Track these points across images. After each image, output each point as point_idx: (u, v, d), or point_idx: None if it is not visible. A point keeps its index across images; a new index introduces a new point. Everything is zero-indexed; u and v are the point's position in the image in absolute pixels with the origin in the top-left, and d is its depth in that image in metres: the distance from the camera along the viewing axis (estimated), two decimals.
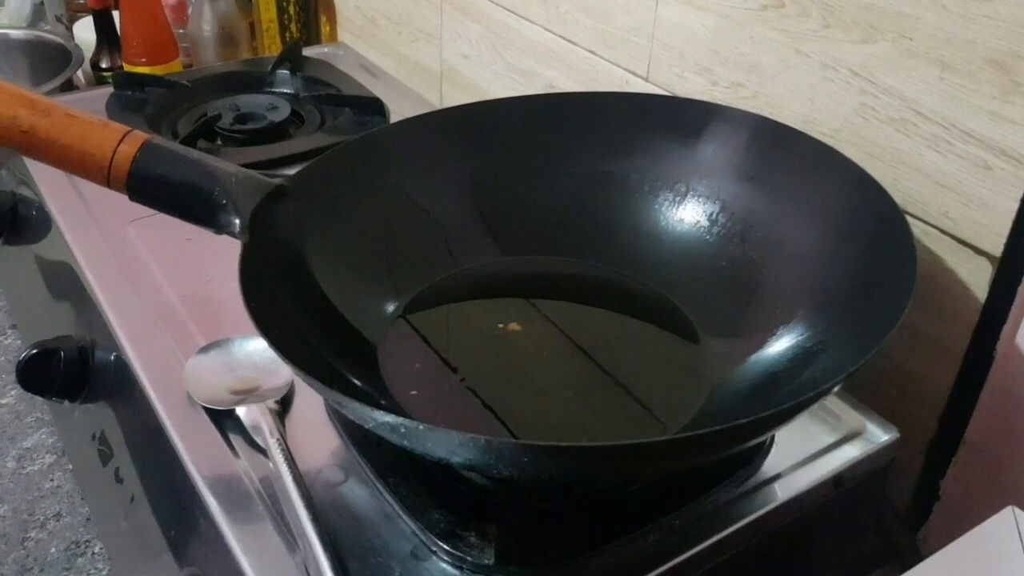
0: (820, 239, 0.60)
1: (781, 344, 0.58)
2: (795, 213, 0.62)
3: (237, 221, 0.54)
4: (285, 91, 1.04)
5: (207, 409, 0.58)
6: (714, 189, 0.67)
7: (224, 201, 0.54)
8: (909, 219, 0.59)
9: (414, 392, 0.57)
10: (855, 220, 0.58)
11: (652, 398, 0.58)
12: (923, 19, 0.55)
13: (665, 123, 0.69)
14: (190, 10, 1.19)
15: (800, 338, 0.58)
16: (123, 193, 0.53)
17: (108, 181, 0.52)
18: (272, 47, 1.24)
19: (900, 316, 0.47)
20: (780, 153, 0.64)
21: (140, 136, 0.53)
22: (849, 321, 0.55)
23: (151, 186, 0.53)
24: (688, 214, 0.67)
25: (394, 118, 0.96)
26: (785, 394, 0.54)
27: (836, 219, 0.60)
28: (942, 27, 0.55)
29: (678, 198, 0.68)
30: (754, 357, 0.59)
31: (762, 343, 0.59)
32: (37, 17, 1.40)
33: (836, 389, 0.46)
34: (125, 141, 0.52)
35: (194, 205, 0.54)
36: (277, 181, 0.58)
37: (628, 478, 0.53)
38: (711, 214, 0.66)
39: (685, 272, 0.66)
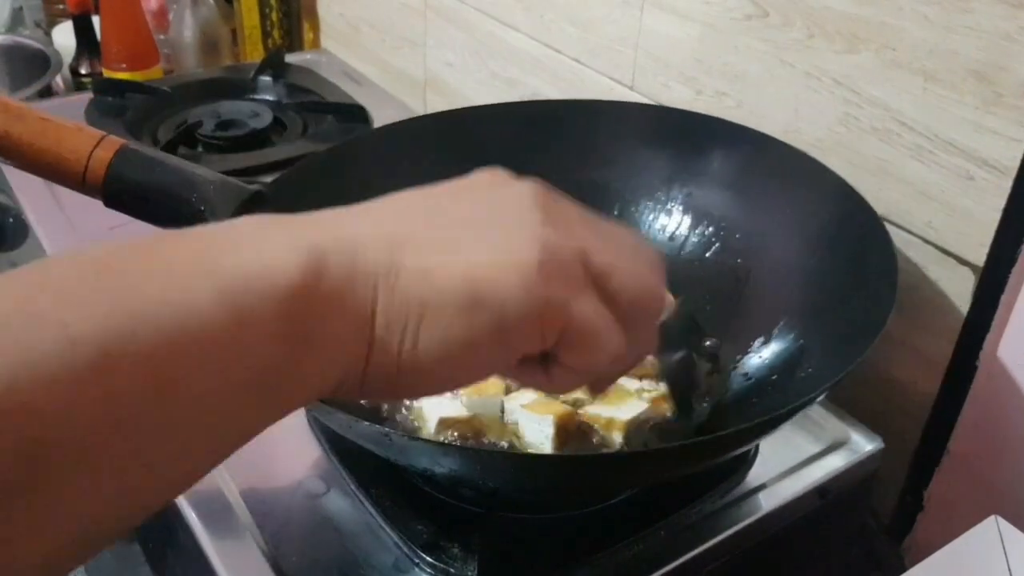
0: (802, 248, 0.60)
1: (764, 353, 0.58)
2: (776, 222, 0.62)
3: None
4: (267, 98, 1.04)
5: None
6: (694, 198, 0.67)
7: (202, 207, 0.53)
8: (892, 228, 0.60)
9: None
10: (837, 231, 0.58)
11: None
12: (906, 30, 0.56)
13: (646, 132, 0.69)
14: (171, 16, 1.18)
15: (782, 347, 0.57)
16: (98, 199, 0.53)
17: (83, 187, 0.52)
18: (254, 53, 1.23)
19: (881, 328, 0.47)
20: (762, 164, 0.64)
21: (115, 141, 0.53)
22: (831, 332, 0.55)
23: (127, 192, 0.53)
24: (669, 222, 0.68)
25: (377, 125, 0.95)
26: (766, 405, 0.54)
27: (817, 229, 0.60)
28: (925, 38, 0.55)
29: (658, 206, 0.68)
30: (736, 367, 0.59)
31: (744, 350, 0.59)
32: (16, 22, 1.38)
33: (818, 401, 0.46)
34: (100, 146, 0.52)
35: (171, 211, 0.54)
36: (255, 187, 0.57)
37: (605, 488, 0.53)
38: (691, 222, 0.67)
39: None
